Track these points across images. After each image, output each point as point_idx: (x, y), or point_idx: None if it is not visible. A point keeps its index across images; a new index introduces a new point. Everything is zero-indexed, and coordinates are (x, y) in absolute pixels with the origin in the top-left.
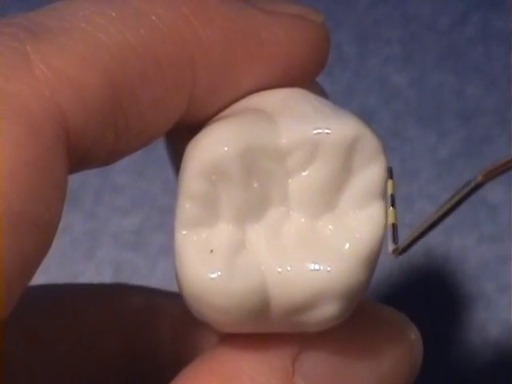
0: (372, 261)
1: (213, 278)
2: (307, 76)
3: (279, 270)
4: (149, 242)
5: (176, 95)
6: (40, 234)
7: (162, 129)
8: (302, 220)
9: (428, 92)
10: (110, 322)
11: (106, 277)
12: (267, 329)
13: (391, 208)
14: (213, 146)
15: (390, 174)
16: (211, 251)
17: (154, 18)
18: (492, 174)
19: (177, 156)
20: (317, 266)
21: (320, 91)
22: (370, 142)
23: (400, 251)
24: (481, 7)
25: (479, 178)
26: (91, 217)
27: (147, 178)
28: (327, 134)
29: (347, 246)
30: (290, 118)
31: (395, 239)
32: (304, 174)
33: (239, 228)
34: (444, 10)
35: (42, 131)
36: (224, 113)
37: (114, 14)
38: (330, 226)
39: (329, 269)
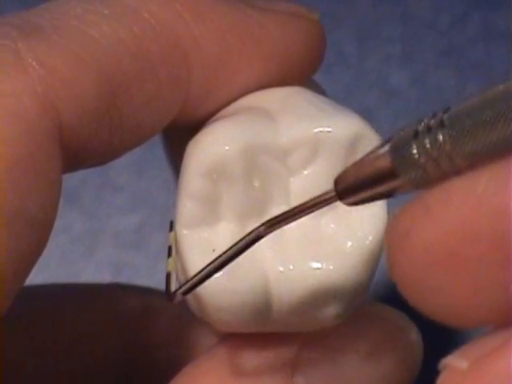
0: (374, 259)
1: (215, 278)
2: (304, 74)
3: (281, 269)
4: (149, 242)
5: (170, 92)
6: (35, 233)
7: (156, 127)
8: (304, 219)
9: (428, 91)
10: (107, 322)
11: (105, 276)
12: (268, 328)
13: (169, 258)
14: (214, 146)
15: (171, 227)
16: (213, 250)
17: (146, 15)
18: (274, 226)
19: (176, 156)
20: (319, 265)
21: (317, 89)
22: (371, 139)
23: (180, 296)
24: (481, 6)
25: (261, 230)
26: (91, 216)
27: (147, 178)
28: (328, 132)
29: (349, 244)
30: (290, 117)
31: (168, 287)
32: (305, 172)
33: (241, 227)
34: (444, 9)
35: (35, 129)
36: (224, 112)
37: (106, 12)
38: (332, 225)
39: (331, 267)
